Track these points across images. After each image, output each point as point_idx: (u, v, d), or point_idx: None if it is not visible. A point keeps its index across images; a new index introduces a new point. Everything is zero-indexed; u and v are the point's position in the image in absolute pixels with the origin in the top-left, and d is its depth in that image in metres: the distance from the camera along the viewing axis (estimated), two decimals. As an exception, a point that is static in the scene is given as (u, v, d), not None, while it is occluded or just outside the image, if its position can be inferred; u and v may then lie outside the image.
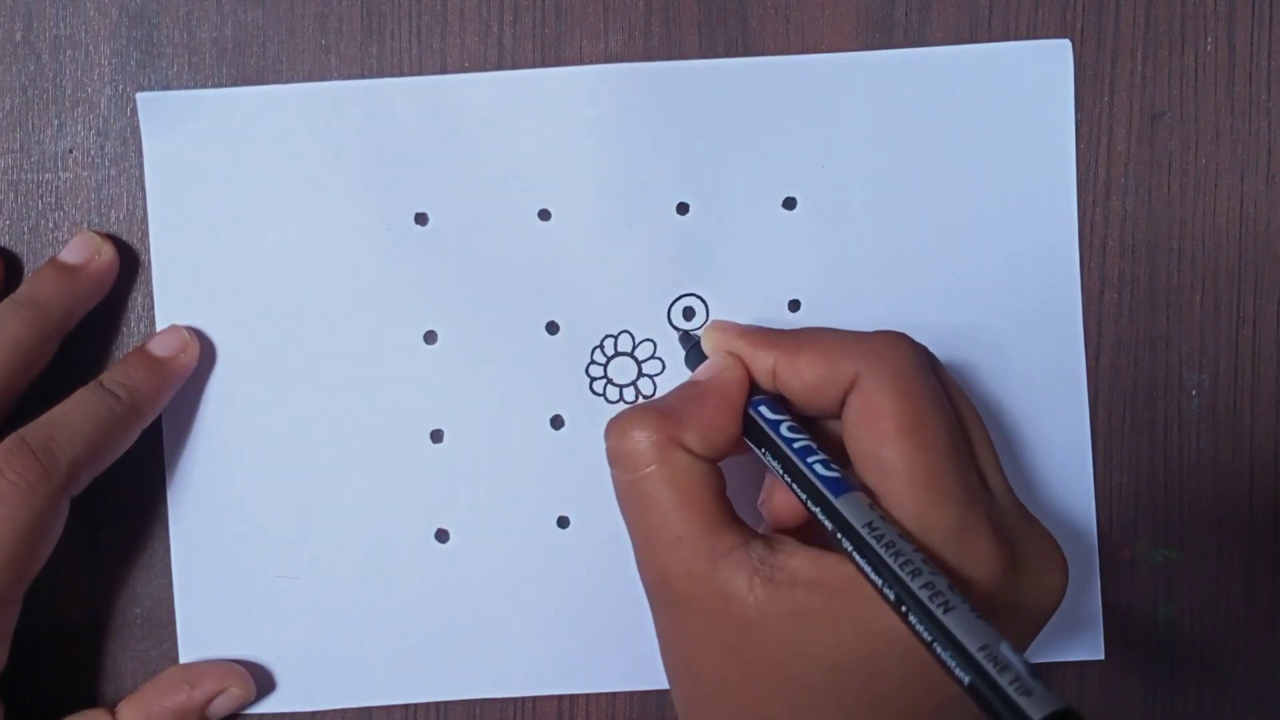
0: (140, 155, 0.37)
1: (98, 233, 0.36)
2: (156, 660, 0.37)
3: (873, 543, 0.28)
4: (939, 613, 0.26)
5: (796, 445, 0.30)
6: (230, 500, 0.37)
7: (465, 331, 0.37)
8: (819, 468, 0.30)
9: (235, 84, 0.37)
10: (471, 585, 0.37)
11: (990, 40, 0.38)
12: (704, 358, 0.34)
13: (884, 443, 0.29)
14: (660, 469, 0.30)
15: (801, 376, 0.31)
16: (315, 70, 0.37)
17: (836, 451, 0.31)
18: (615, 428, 0.31)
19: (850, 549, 0.28)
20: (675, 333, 0.37)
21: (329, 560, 0.37)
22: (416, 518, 0.37)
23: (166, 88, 0.37)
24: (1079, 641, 0.38)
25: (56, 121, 0.37)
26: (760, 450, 0.32)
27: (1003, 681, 0.24)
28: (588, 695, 0.38)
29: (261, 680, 0.37)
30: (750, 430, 0.32)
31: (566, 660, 0.38)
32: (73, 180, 0.37)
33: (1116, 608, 0.39)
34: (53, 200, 0.37)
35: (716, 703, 0.30)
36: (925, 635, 0.26)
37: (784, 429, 0.31)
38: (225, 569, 0.37)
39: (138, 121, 0.37)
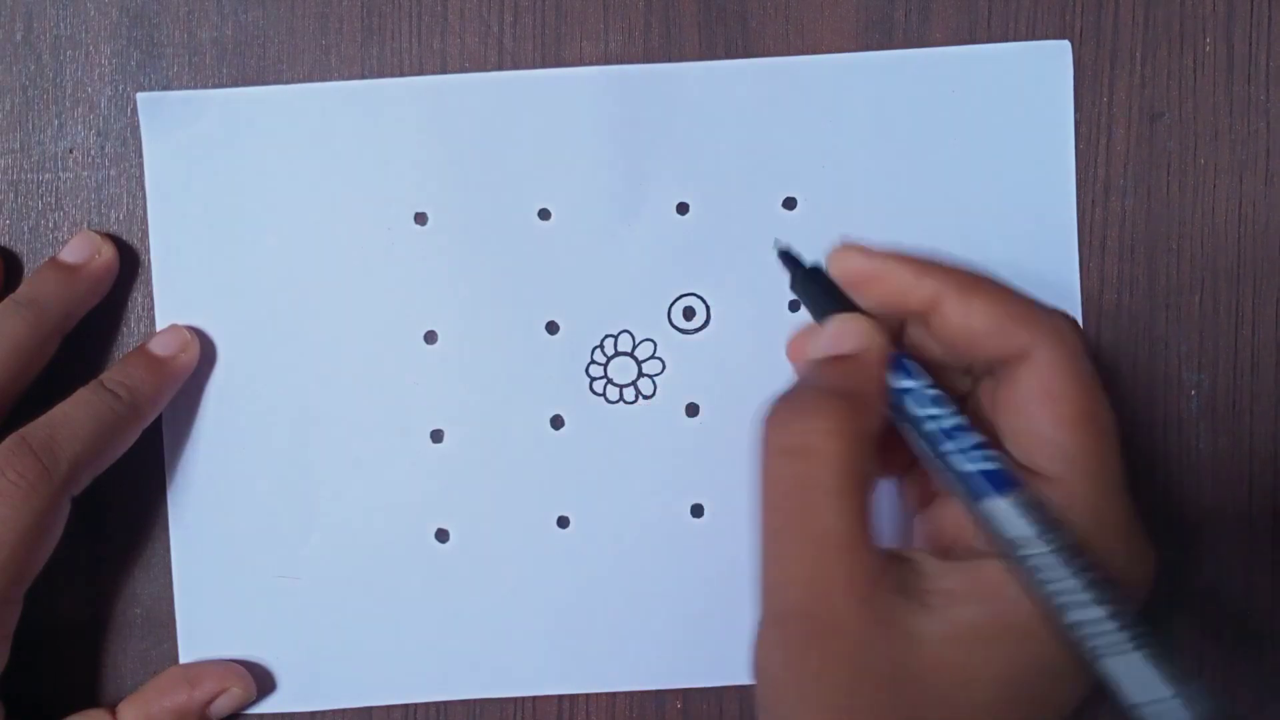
0: (140, 155, 0.37)
1: (98, 232, 0.36)
2: (156, 660, 0.37)
3: (1035, 564, 0.25)
4: (1094, 659, 0.25)
5: (946, 424, 0.27)
6: (230, 500, 0.37)
7: (465, 331, 0.37)
8: (976, 454, 0.26)
9: (235, 84, 0.37)
10: (471, 585, 0.37)
11: (990, 40, 0.38)
12: (814, 282, 0.30)
13: (1064, 428, 0.27)
14: (844, 465, 0.26)
15: (970, 322, 0.28)
16: (315, 70, 0.37)
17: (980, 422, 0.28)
18: (787, 413, 0.27)
19: (1011, 564, 0.26)
20: (675, 332, 0.37)
21: (329, 560, 0.37)
22: (416, 518, 0.37)
23: (167, 88, 0.37)
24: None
25: (56, 121, 0.37)
26: (906, 429, 0.28)
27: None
28: (588, 695, 0.38)
29: (261, 680, 0.37)
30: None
31: (566, 660, 0.38)
32: (73, 180, 0.37)
33: (1116, 608, 0.39)
34: (53, 200, 0.37)
35: None
36: (1089, 663, 0.25)
37: (928, 400, 0.27)
38: (225, 569, 0.37)
39: (138, 121, 0.37)
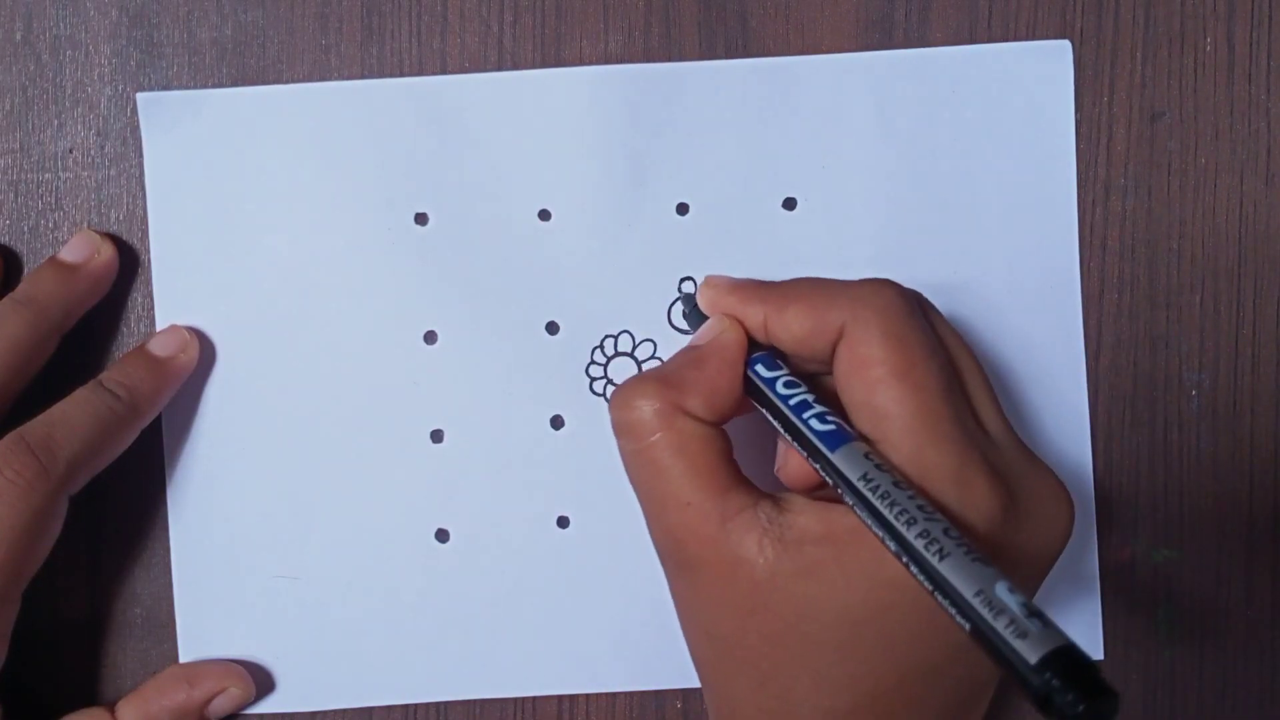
0: (140, 155, 0.37)
1: (98, 232, 0.36)
2: (156, 660, 0.37)
3: (868, 494, 0.28)
4: (934, 560, 0.26)
5: (792, 401, 0.30)
6: (230, 500, 0.37)
7: (465, 331, 0.37)
8: (814, 422, 0.30)
9: (235, 84, 0.37)
10: (471, 585, 0.37)
11: (990, 40, 0.38)
12: (703, 318, 0.34)
13: (875, 389, 0.29)
14: (665, 436, 0.30)
15: (790, 330, 0.31)
16: (315, 70, 0.37)
17: (835, 403, 0.31)
18: (619, 398, 0.31)
19: (850, 502, 0.28)
20: (675, 332, 0.37)
21: (329, 560, 0.37)
22: (416, 518, 0.37)
23: (166, 88, 0.37)
24: (1078, 641, 0.38)
25: (56, 121, 0.37)
26: (762, 409, 0.32)
27: (998, 625, 0.24)
28: (588, 695, 0.38)
29: (261, 680, 0.37)
30: (751, 389, 0.32)
31: (566, 660, 0.38)
32: (73, 180, 0.37)
33: (1116, 608, 0.39)
34: (53, 200, 0.37)
35: (734, 664, 0.31)
36: (926, 584, 0.26)
37: (780, 385, 0.31)
38: (225, 569, 0.37)
39: (138, 121, 0.37)
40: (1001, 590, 0.25)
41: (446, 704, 0.38)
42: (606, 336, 0.37)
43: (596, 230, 0.37)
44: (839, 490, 0.29)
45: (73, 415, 0.33)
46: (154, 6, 0.37)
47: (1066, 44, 0.38)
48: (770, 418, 0.31)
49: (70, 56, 0.37)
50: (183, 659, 0.37)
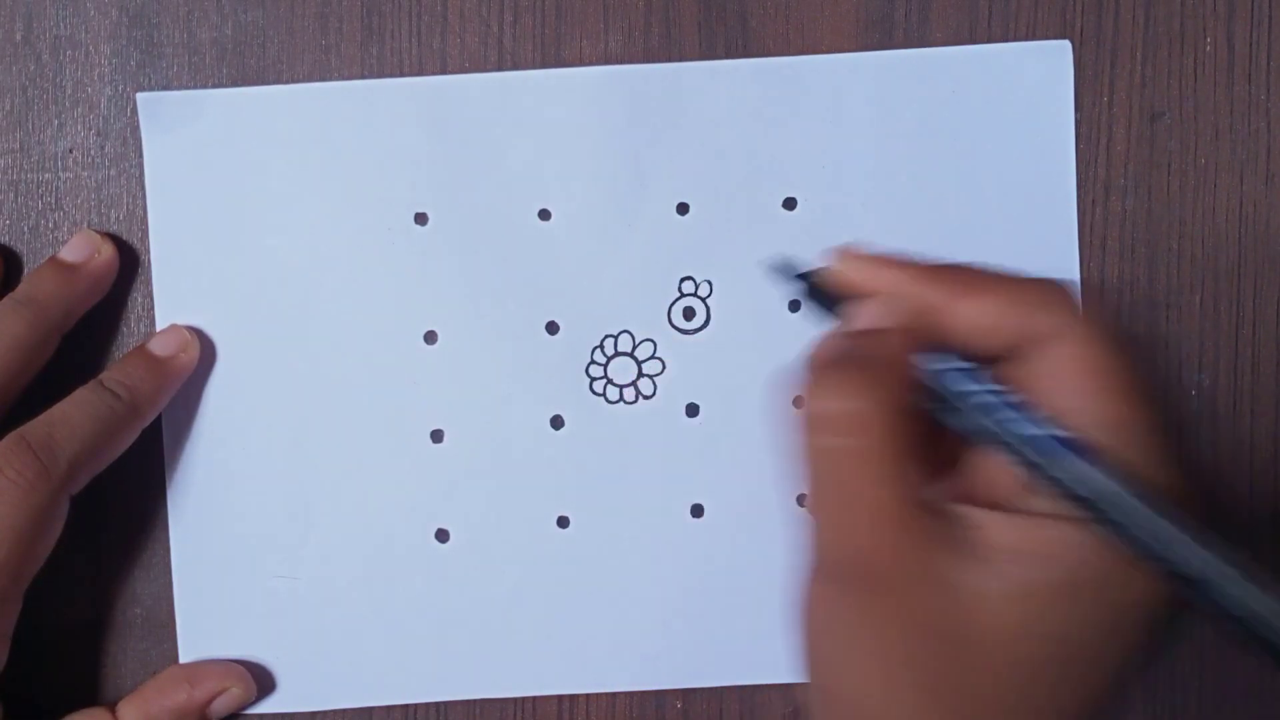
0: (140, 155, 0.37)
1: (98, 231, 0.36)
2: (156, 660, 0.37)
3: (1137, 505, 0.25)
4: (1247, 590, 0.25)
5: (1011, 402, 0.27)
6: (230, 500, 0.37)
7: (465, 332, 0.37)
8: (1043, 424, 0.27)
9: (235, 84, 0.37)
10: (472, 585, 0.37)
11: (990, 40, 0.38)
12: (832, 301, 0.30)
13: (1111, 400, 0.27)
14: (885, 434, 0.27)
15: (975, 321, 0.28)
16: (315, 71, 0.37)
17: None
18: (825, 384, 0.27)
19: (1105, 518, 0.26)
20: (675, 332, 0.37)
21: (329, 560, 0.37)
22: (417, 518, 0.37)
23: (166, 88, 0.37)
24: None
25: (56, 121, 0.37)
26: (953, 415, 0.28)
27: None
28: (588, 695, 0.38)
29: (261, 680, 0.37)
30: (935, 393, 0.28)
31: (567, 660, 0.38)
32: (73, 180, 0.37)
33: (1116, 608, 0.39)
34: (53, 200, 0.37)
35: (915, 690, 0.27)
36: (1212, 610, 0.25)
37: (971, 382, 0.28)
38: (225, 569, 0.37)
39: (138, 121, 0.37)
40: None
41: (446, 704, 0.38)
42: (607, 336, 0.37)
43: (597, 230, 0.37)
44: (1067, 503, 0.26)
45: (73, 415, 0.33)
46: (154, 6, 0.37)
47: (1066, 44, 0.38)
48: (956, 410, 0.28)
49: (70, 56, 0.37)
50: (183, 659, 0.37)
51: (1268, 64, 0.38)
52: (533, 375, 0.37)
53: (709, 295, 0.37)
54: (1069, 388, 0.28)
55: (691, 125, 0.37)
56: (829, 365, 0.28)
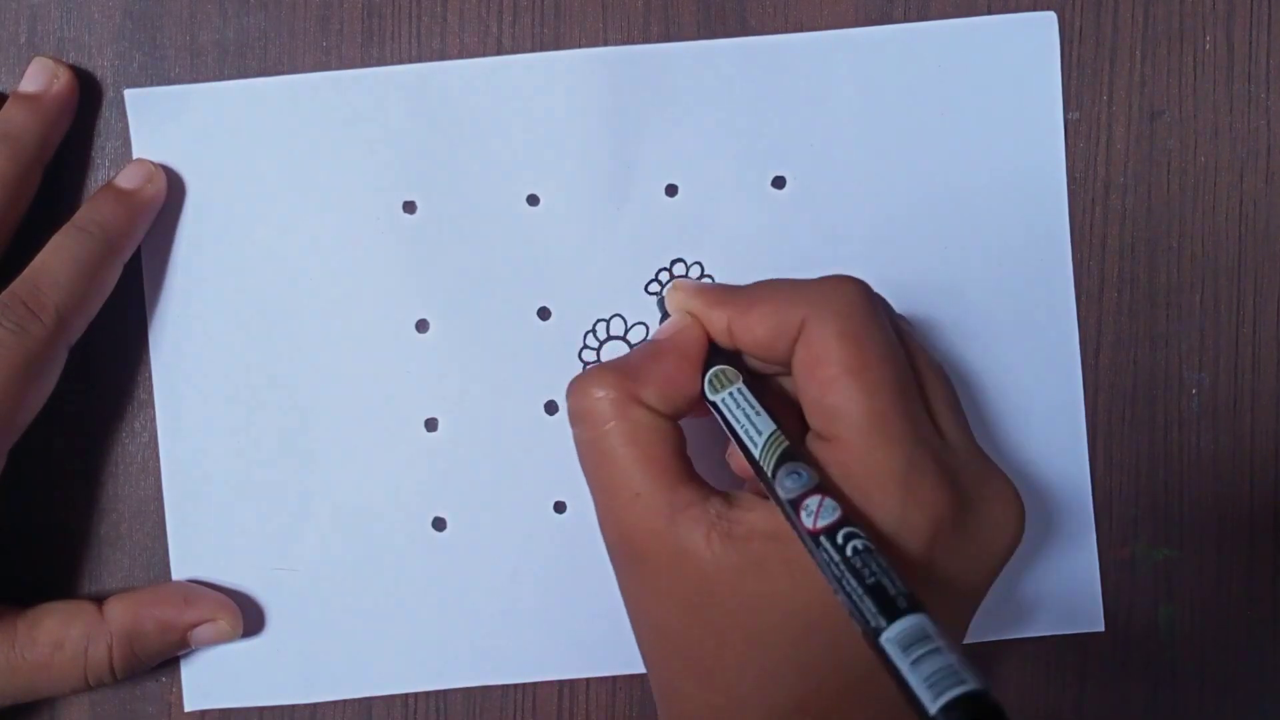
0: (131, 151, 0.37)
1: (51, 58, 0.36)
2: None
3: (797, 512, 0.28)
4: (873, 618, 0.26)
5: (746, 410, 0.30)
6: (226, 492, 0.37)
7: (457, 319, 0.37)
8: (774, 444, 0.29)
9: (236, 85, 0.37)
10: (469, 572, 0.37)
11: (986, 36, 0.38)
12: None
13: (829, 388, 0.29)
14: (619, 425, 0.30)
15: (754, 332, 0.31)
16: (316, 71, 0.37)
17: (793, 402, 0.31)
18: (576, 387, 0.31)
19: (788, 520, 0.28)
20: (666, 314, 0.37)
21: (326, 551, 0.37)
22: (413, 506, 0.37)
23: (169, 89, 0.37)
24: (1078, 631, 0.38)
25: (61, 122, 0.37)
26: (716, 416, 0.32)
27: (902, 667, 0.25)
28: (588, 680, 0.38)
29: (260, 674, 0.37)
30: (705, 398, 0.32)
31: (566, 645, 0.38)
32: (73, 180, 0.37)
33: (1116, 608, 0.38)
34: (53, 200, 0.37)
35: (680, 660, 0.31)
36: (849, 608, 0.27)
37: (733, 393, 0.31)
38: (223, 561, 0.37)
39: (135, 120, 0.37)
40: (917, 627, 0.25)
41: (446, 692, 0.38)
42: (598, 320, 0.37)
43: (586, 214, 0.37)
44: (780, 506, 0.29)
45: (52, 264, 0.34)
46: (156, 9, 0.37)
47: (1052, 15, 0.37)
48: (724, 425, 0.31)
49: (73, 59, 0.37)
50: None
51: (1267, 62, 0.38)
52: (525, 360, 0.37)
53: (699, 276, 0.37)
54: (804, 379, 0.30)
55: (679, 106, 0.37)
56: (584, 370, 0.32)
